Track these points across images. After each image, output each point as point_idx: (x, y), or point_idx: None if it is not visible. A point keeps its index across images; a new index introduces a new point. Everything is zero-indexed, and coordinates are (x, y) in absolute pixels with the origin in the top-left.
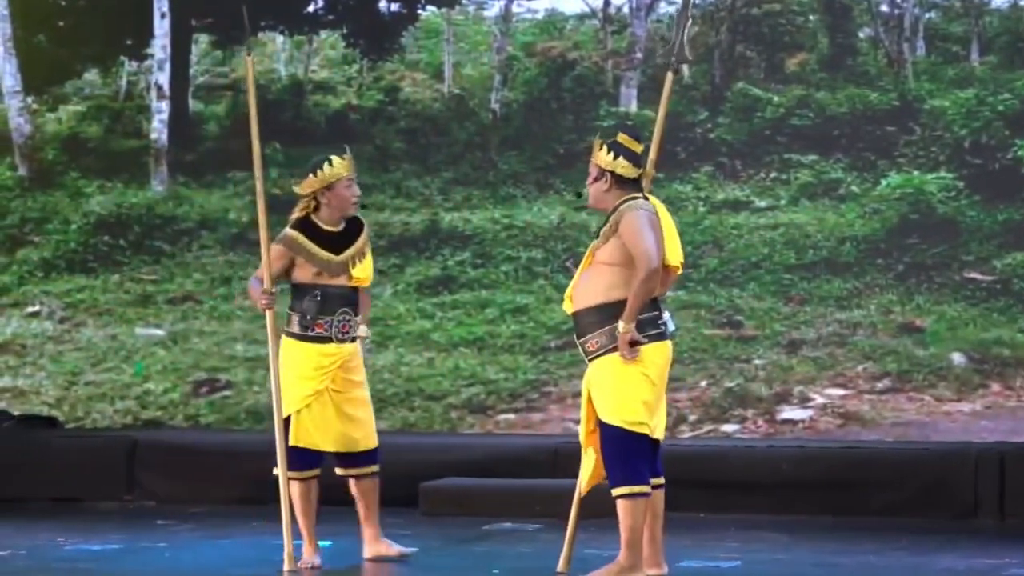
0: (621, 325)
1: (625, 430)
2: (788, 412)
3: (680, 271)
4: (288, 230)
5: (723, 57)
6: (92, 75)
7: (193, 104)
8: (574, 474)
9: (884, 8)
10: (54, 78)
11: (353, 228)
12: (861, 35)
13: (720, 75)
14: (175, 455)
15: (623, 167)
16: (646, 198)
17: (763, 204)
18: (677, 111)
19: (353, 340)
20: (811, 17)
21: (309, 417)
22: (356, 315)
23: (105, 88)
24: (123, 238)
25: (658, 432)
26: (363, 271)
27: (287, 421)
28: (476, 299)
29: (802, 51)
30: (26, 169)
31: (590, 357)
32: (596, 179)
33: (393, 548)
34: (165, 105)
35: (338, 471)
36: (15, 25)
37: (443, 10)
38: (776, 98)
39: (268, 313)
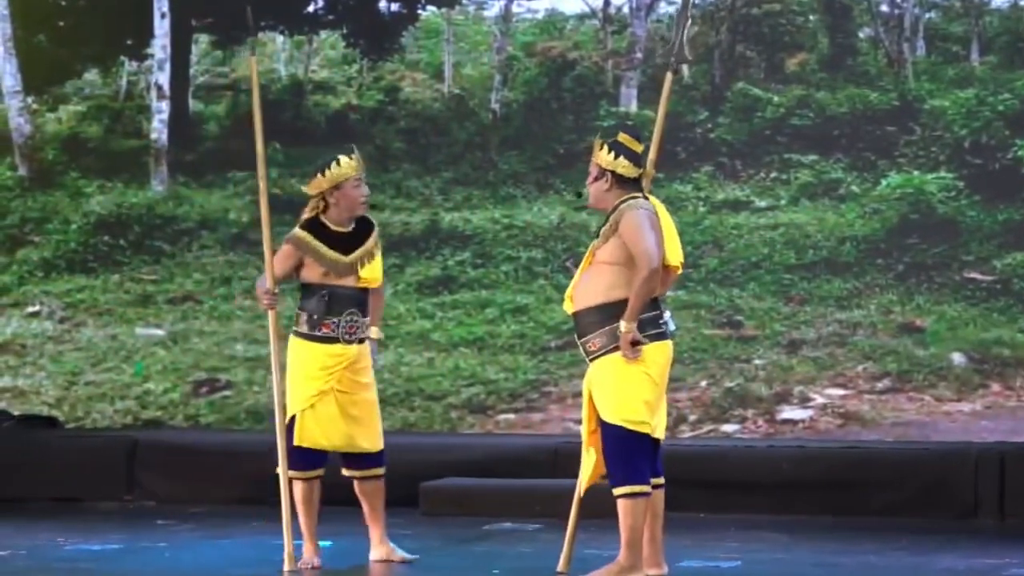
0: (623, 325)
1: (627, 429)
2: (788, 412)
3: (680, 271)
4: (297, 230)
5: (723, 57)
6: (92, 75)
7: (193, 104)
8: (574, 474)
9: (884, 8)
10: (54, 78)
11: (363, 229)
12: (861, 35)
13: (720, 75)
14: (175, 455)
15: (624, 167)
16: (646, 198)
17: (763, 204)
18: (677, 111)
19: (360, 341)
20: (811, 17)
21: (313, 417)
22: (364, 316)
23: (105, 88)
24: (123, 238)
25: (659, 432)
26: (371, 272)
27: (291, 420)
28: (476, 299)
29: (802, 51)
30: (26, 169)
31: (591, 357)
32: (596, 179)
33: (397, 554)
34: (165, 105)
35: (344, 472)
36: (15, 25)
37: (443, 10)
38: (776, 98)
39: (270, 313)
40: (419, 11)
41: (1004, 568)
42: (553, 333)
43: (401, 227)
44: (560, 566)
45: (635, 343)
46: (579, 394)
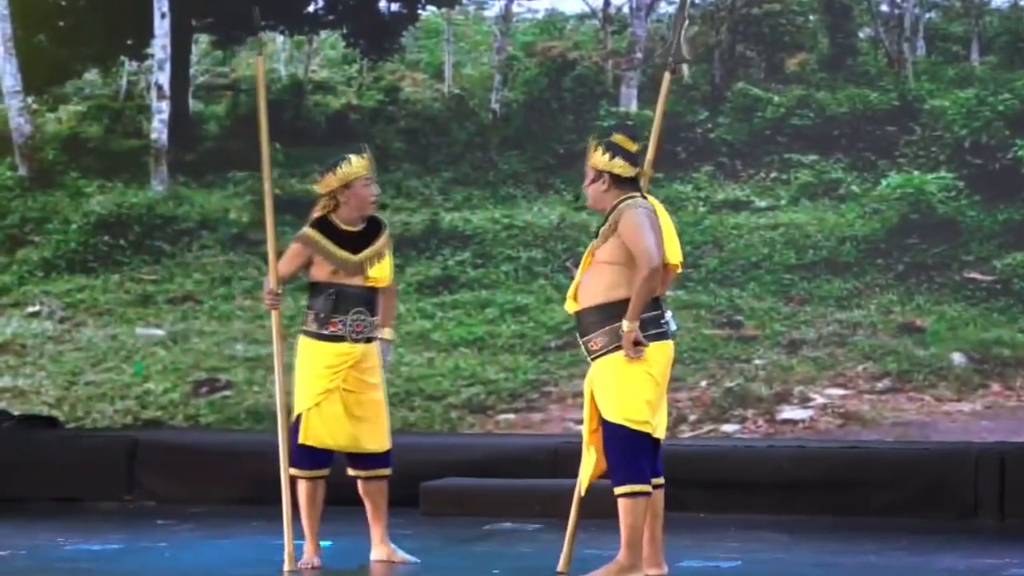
0: (625, 324)
1: (628, 429)
2: (788, 412)
3: (680, 269)
4: (306, 228)
5: (723, 57)
6: (92, 75)
7: (193, 104)
8: (574, 474)
9: (884, 8)
10: (54, 78)
11: (373, 229)
12: (861, 35)
13: (720, 75)
14: (175, 455)
15: (620, 167)
16: (644, 197)
17: (763, 204)
18: (677, 111)
19: (368, 340)
20: (811, 17)
21: (318, 416)
22: (372, 315)
23: (105, 88)
24: (123, 238)
25: (659, 432)
26: (380, 271)
27: (297, 419)
28: (476, 299)
29: (802, 51)
30: (26, 169)
31: (593, 356)
32: (594, 180)
33: (397, 555)
34: (165, 105)
35: (349, 471)
36: (15, 25)
37: (443, 10)
38: (776, 98)
39: (273, 313)
40: (419, 11)
41: (1004, 568)
42: (553, 333)
43: (401, 227)
44: (560, 566)
45: (637, 343)
46: (579, 394)
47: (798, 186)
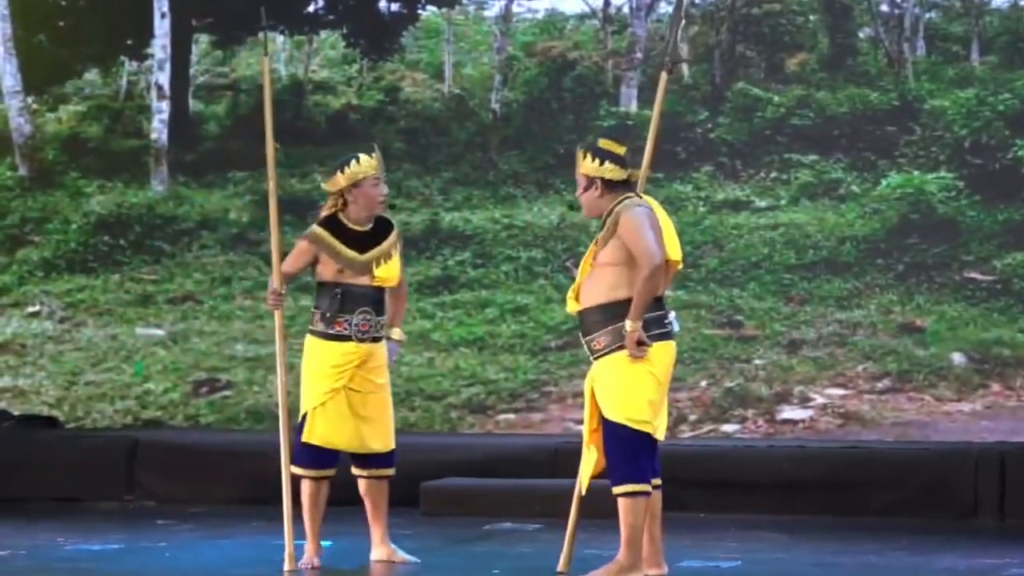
0: (628, 324)
1: (630, 428)
2: (788, 412)
3: (680, 266)
4: (314, 226)
5: (723, 57)
6: (92, 75)
7: (193, 104)
8: (574, 474)
9: (884, 8)
10: (54, 78)
11: (382, 229)
12: (861, 35)
13: (720, 75)
14: (175, 455)
15: (610, 171)
16: (639, 197)
17: (763, 204)
18: (677, 111)
19: (375, 340)
20: (811, 17)
21: (324, 415)
22: (379, 315)
23: (105, 88)
24: (123, 238)
25: (659, 433)
26: (387, 271)
27: (303, 418)
28: (476, 299)
29: (802, 51)
30: (26, 169)
31: (596, 356)
32: (586, 188)
33: (397, 555)
34: (165, 105)
35: (352, 470)
36: (15, 25)
37: (443, 10)
38: (776, 98)
39: (276, 313)
40: (419, 11)
41: (1004, 568)
42: (553, 333)
43: (401, 227)
44: (560, 566)
45: (640, 343)
46: (579, 394)
47: (798, 186)
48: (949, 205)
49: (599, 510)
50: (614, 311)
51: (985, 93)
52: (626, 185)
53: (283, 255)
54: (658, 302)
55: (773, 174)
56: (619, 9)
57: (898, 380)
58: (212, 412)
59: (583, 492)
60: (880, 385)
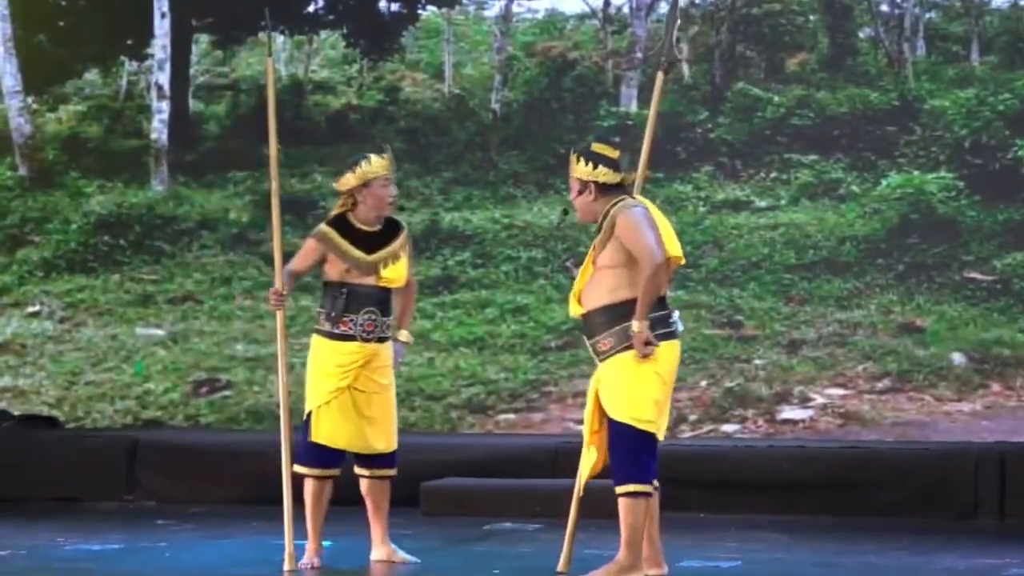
0: (635, 325)
1: (635, 428)
2: (788, 412)
3: (682, 262)
4: (323, 225)
5: (723, 57)
6: (92, 75)
7: (193, 104)
8: (574, 474)
9: (884, 8)
10: (54, 78)
11: (391, 230)
12: (861, 35)
13: (720, 75)
14: (175, 455)
15: (604, 174)
16: (633, 198)
17: (763, 204)
18: (677, 111)
19: (380, 340)
20: (811, 17)
21: (328, 414)
22: (385, 315)
23: (105, 88)
24: (123, 238)
25: (661, 433)
26: (394, 273)
27: (308, 417)
28: (476, 299)
29: (802, 51)
30: (26, 169)
31: (602, 357)
32: (580, 192)
33: (398, 555)
34: (165, 105)
35: (355, 469)
36: (15, 25)
37: (443, 10)
38: (776, 98)
39: (278, 313)
40: (419, 11)
41: (1004, 568)
42: (553, 333)
43: None
44: (560, 566)
45: (647, 343)
46: (579, 394)
47: (798, 186)
48: (949, 205)
49: (599, 510)
50: (617, 312)
51: (985, 93)
52: (620, 188)
53: (284, 256)
54: (661, 301)
55: (773, 174)
56: (619, 9)
57: (898, 380)
58: (212, 412)
59: (581, 493)
60: (880, 385)
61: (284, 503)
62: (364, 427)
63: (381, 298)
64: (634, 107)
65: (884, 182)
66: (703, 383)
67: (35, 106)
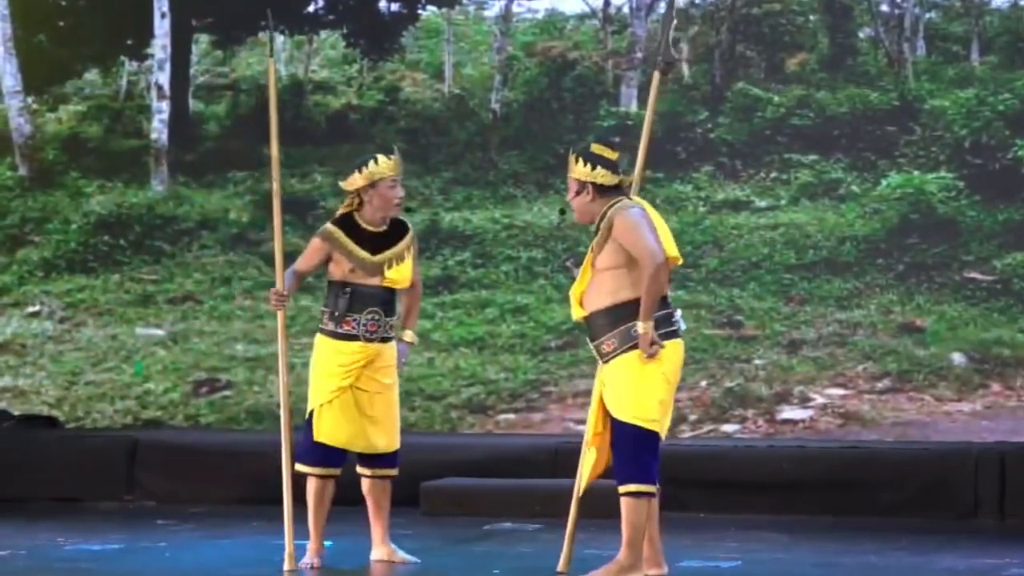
0: (640, 325)
1: (640, 428)
2: (788, 412)
3: (680, 262)
4: (328, 224)
5: (723, 57)
6: (92, 75)
7: (193, 104)
8: (574, 474)
9: (884, 8)
10: (54, 78)
11: (397, 231)
12: (861, 35)
13: (720, 75)
14: (175, 455)
15: (603, 176)
16: (630, 199)
17: (763, 204)
18: (677, 111)
19: (383, 340)
20: (811, 17)
21: (330, 414)
22: (388, 316)
23: (105, 88)
24: (123, 238)
25: (663, 433)
26: (398, 274)
27: (310, 416)
28: (476, 299)
29: (802, 51)
30: (26, 169)
31: (606, 359)
32: (577, 193)
33: (398, 555)
34: (165, 105)
35: (357, 468)
36: (15, 25)
37: (443, 10)
38: (776, 98)
39: (279, 313)
40: (419, 11)
41: (1004, 568)
42: (553, 333)
43: None
44: (560, 566)
45: (653, 342)
46: (579, 394)
47: (798, 186)
48: (949, 205)
49: (599, 510)
50: (619, 313)
51: (985, 93)
52: (618, 190)
53: (287, 256)
54: (663, 301)
55: (773, 174)
56: (619, 9)
57: (898, 380)
58: (212, 412)
59: (581, 493)
60: (880, 385)
61: (284, 503)
62: (366, 426)
63: (385, 298)
64: (634, 107)
65: (884, 182)
66: (703, 383)
67: (35, 106)
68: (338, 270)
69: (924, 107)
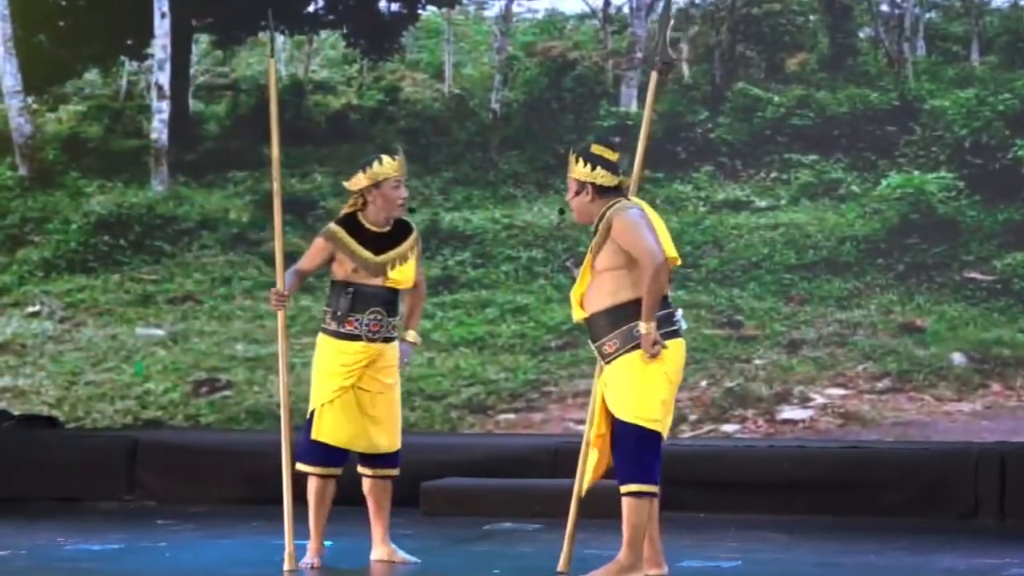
0: (642, 326)
1: (641, 428)
2: (788, 412)
3: (678, 263)
4: (332, 224)
5: (723, 57)
6: (92, 75)
7: (193, 104)
8: (574, 474)
9: (884, 8)
10: (54, 78)
11: (401, 231)
12: (861, 35)
13: (720, 75)
14: (175, 455)
15: (602, 176)
16: (628, 199)
17: (763, 204)
18: (677, 111)
19: (386, 340)
20: (811, 17)
21: (331, 413)
22: (391, 316)
23: (105, 88)
24: (123, 238)
25: (665, 433)
26: (401, 274)
27: (311, 415)
28: (476, 299)
29: (802, 51)
30: (26, 169)
31: (608, 359)
32: (577, 193)
33: (398, 555)
34: (165, 105)
35: (358, 468)
36: (15, 25)
37: (443, 10)
38: (776, 98)
39: (279, 313)
40: (419, 11)
41: (1004, 568)
42: (553, 333)
43: None
44: (560, 566)
45: (655, 343)
46: (579, 394)
47: (798, 186)
48: (949, 205)
49: (599, 510)
50: (620, 314)
51: (985, 93)
52: (617, 191)
53: (288, 256)
54: (664, 300)
55: (773, 174)
56: (619, 9)
57: (898, 380)
58: (212, 412)
59: (582, 494)
60: (880, 385)
61: (284, 503)
62: (368, 426)
63: (387, 298)
64: (634, 107)
65: (884, 182)
66: (703, 383)
67: (35, 106)
68: (341, 270)
69: (924, 107)
